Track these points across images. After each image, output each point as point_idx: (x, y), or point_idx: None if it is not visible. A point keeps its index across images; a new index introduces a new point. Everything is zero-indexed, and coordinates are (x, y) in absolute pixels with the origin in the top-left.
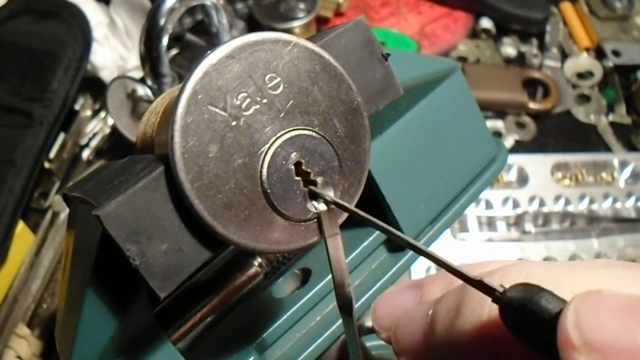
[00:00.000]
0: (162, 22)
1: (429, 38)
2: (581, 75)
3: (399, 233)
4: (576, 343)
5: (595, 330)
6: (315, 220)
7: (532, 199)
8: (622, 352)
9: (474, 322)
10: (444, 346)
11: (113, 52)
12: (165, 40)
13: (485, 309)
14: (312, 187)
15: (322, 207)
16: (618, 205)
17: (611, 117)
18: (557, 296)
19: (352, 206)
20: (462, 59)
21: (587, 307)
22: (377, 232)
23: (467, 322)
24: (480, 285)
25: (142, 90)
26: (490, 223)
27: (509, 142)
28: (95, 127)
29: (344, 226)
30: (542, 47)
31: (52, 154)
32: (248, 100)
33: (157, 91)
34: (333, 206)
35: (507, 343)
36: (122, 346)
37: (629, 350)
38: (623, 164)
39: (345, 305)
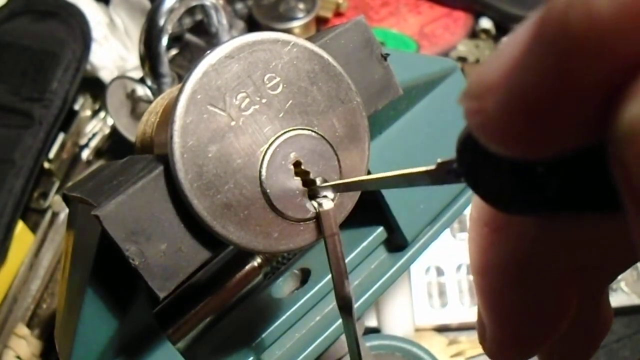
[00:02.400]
0: (161, 22)
1: (429, 38)
2: None
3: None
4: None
5: None
6: (315, 220)
7: None
8: None
9: None
10: None
11: (112, 52)
12: (164, 41)
13: None
14: (311, 187)
15: (321, 206)
16: None
17: None
18: None
19: (351, 206)
20: (462, 59)
21: None
22: (377, 232)
23: None
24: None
25: (142, 91)
26: None
27: None
28: (95, 127)
29: (343, 226)
30: None
31: (51, 154)
32: (247, 100)
33: (157, 91)
34: (332, 206)
35: None
36: (122, 346)
37: None
38: None
39: (344, 305)
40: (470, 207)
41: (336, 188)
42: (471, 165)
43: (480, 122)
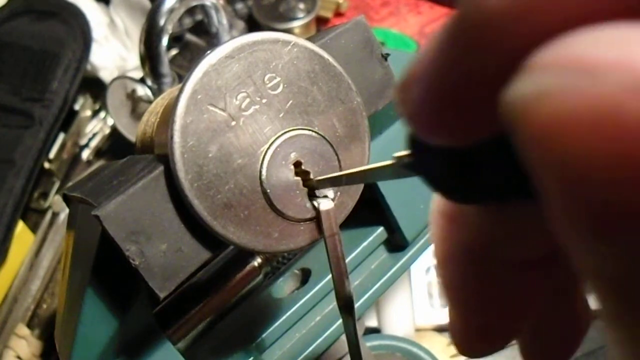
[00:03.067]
0: (161, 22)
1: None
2: None
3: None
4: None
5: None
6: (315, 220)
7: None
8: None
9: None
10: None
11: (113, 52)
12: (164, 41)
13: None
14: (311, 187)
15: (321, 206)
16: None
17: None
18: None
19: (351, 206)
20: None
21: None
22: (377, 232)
23: None
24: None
25: (142, 91)
26: None
27: None
28: (95, 127)
29: (343, 226)
30: None
31: (51, 154)
32: (247, 100)
33: (157, 91)
34: (332, 206)
35: None
36: (122, 346)
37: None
38: None
39: (345, 305)
40: (431, 201)
41: (322, 183)
42: (418, 157)
43: (407, 112)
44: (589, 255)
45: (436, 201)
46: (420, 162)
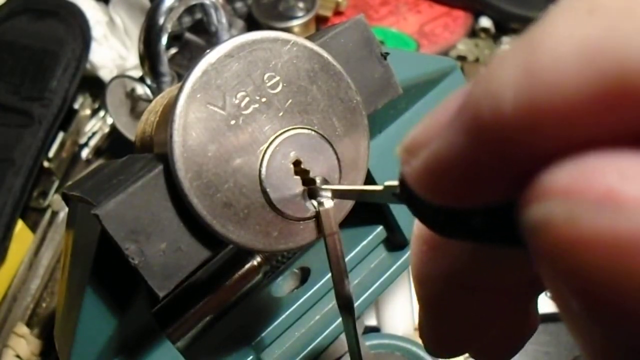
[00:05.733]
0: (161, 21)
1: (428, 37)
2: None
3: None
4: None
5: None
6: (314, 219)
7: None
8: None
9: None
10: None
11: (112, 51)
12: (164, 39)
13: None
14: (311, 186)
15: (321, 205)
16: None
17: None
18: None
19: (350, 205)
20: (461, 58)
21: None
22: (377, 231)
23: None
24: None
25: (141, 89)
26: None
27: None
28: (95, 126)
29: (343, 225)
30: None
31: (51, 153)
32: (247, 99)
33: (156, 90)
34: (332, 205)
35: None
36: (121, 345)
37: None
38: None
39: (344, 304)
40: (415, 224)
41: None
42: (409, 195)
43: (408, 172)
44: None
45: (418, 227)
46: (412, 200)
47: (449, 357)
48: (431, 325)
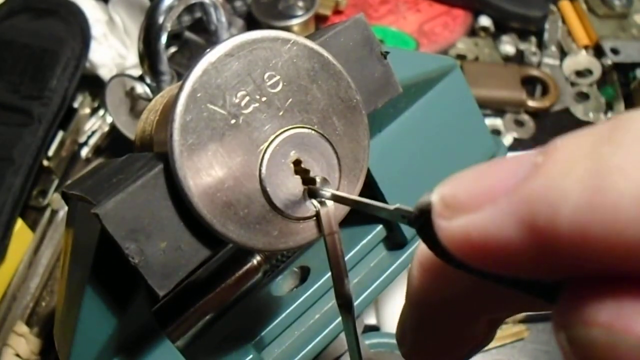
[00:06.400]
0: (160, 20)
1: (428, 36)
2: (580, 73)
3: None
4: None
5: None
6: (314, 218)
7: None
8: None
9: None
10: None
11: (112, 50)
12: (163, 38)
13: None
14: (311, 185)
15: (321, 205)
16: None
17: (610, 115)
18: None
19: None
20: (461, 57)
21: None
22: (376, 230)
23: None
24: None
25: (141, 88)
26: None
27: (507, 140)
28: (94, 125)
29: (343, 224)
30: (541, 45)
31: (50, 152)
32: (247, 98)
33: (156, 89)
34: (332, 204)
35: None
36: (121, 344)
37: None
38: None
39: (344, 303)
40: (418, 247)
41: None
42: (423, 226)
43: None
44: None
45: (420, 252)
46: (424, 230)
47: None
48: (415, 336)
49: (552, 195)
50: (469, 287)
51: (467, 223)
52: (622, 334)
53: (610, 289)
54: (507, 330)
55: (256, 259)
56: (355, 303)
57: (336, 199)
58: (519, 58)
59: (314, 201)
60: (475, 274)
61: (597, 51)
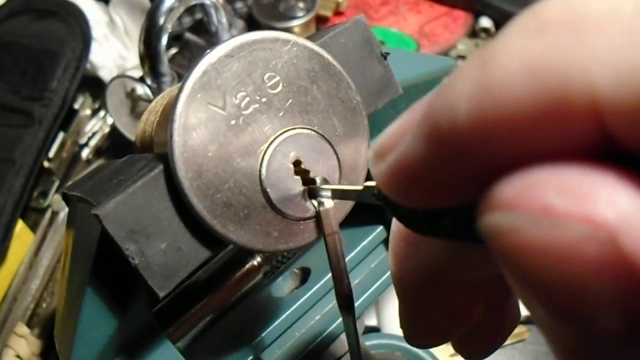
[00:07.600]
0: (161, 21)
1: (428, 37)
2: None
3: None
4: None
5: None
6: (315, 218)
7: None
8: None
9: None
10: None
11: (112, 51)
12: (164, 40)
13: None
14: (311, 186)
15: (321, 205)
16: None
17: None
18: None
19: (350, 205)
20: (462, 58)
21: None
22: (377, 231)
23: None
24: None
25: (142, 89)
26: None
27: None
28: (95, 126)
29: (343, 225)
30: None
31: (51, 153)
32: (247, 99)
33: (157, 90)
34: (332, 205)
35: None
36: (121, 345)
37: None
38: None
39: (345, 304)
40: (392, 222)
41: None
42: (385, 198)
43: (377, 174)
44: (552, 330)
45: (396, 225)
46: (385, 198)
47: (427, 347)
48: (409, 317)
49: (448, 99)
50: (440, 251)
51: (390, 159)
52: (526, 215)
53: (517, 166)
54: None
55: (256, 260)
56: (356, 304)
57: (319, 190)
58: None
59: (314, 202)
60: (433, 233)
61: None
